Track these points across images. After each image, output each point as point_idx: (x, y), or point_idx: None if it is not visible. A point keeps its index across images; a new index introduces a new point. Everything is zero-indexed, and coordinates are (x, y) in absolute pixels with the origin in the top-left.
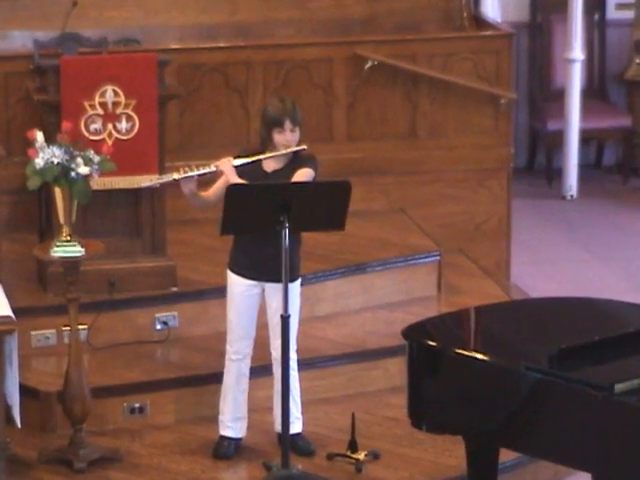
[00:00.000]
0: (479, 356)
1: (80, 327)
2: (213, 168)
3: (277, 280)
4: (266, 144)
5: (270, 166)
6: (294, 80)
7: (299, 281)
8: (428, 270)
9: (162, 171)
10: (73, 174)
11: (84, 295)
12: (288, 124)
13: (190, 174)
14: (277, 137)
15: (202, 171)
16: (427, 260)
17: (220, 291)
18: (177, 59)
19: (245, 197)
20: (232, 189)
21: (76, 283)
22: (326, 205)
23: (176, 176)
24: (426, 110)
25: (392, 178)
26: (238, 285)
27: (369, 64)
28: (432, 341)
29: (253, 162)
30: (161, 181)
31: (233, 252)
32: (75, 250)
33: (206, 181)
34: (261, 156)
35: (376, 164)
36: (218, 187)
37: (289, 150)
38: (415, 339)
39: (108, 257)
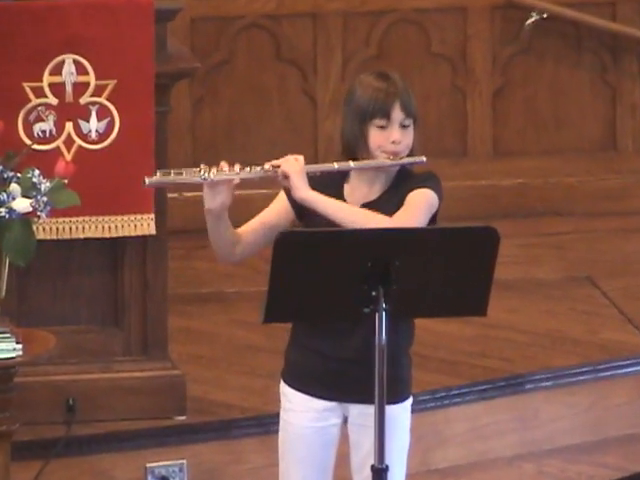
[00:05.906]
0: None
1: None
2: (269, 167)
3: (370, 400)
4: (354, 151)
5: (357, 193)
6: (398, 47)
7: (409, 402)
8: (636, 388)
9: (162, 207)
10: (3, 212)
11: (22, 427)
12: (398, 113)
13: (230, 175)
14: (376, 136)
15: (250, 173)
16: (634, 370)
17: (263, 423)
18: (191, 8)
19: (309, 253)
20: (284, 238)
21: (8, 406)
22: (455, 270)
23: (207, 175)
24: (635, 102)
25: (573, 223)
26: (301, 409)
27: (533, 18)
28: None
29: (335, 171)
30: (180, 178)
31: (291, 351)
32: (6, 347)
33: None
34: (351, 163)
35: (544, 198)
36: (265, 221)
37: (398, 162)
38: None
39: (65, 360)
